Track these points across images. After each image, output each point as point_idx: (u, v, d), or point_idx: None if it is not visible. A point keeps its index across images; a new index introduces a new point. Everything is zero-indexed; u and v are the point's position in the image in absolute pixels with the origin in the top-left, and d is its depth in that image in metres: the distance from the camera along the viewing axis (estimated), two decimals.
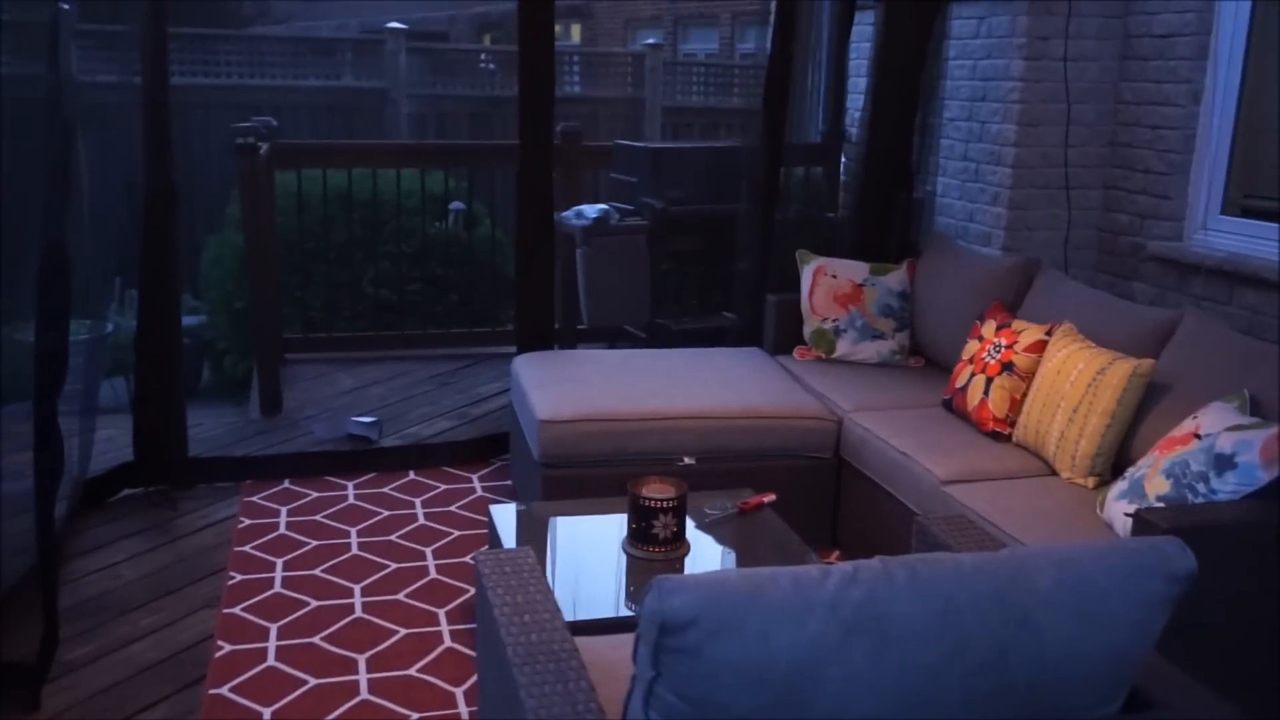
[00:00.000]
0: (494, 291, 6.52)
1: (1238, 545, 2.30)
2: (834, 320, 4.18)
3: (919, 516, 2.41)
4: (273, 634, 3.12)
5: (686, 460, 3.59)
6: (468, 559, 3.61)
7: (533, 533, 3.10)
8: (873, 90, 4.62)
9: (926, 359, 4.21)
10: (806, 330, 4.26)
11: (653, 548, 2.86)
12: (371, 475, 4.29)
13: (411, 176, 6.21)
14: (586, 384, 3.77)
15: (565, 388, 3.72)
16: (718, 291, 5.75)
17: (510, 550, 2.06)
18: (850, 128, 5.25)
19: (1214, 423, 2.59)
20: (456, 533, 3.81)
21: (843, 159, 5.36)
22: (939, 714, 1.45)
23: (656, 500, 2.85)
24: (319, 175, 5.86)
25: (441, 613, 3.27)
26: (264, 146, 4.92)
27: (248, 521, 3.85)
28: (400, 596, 3.36)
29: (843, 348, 4.17)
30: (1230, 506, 2.40)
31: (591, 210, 5.21)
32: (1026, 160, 4.86)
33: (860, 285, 4.21)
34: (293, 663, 2.98)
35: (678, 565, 2.86)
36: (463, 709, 2.79)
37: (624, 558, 2.89)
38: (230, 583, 3.42)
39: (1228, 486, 2.42)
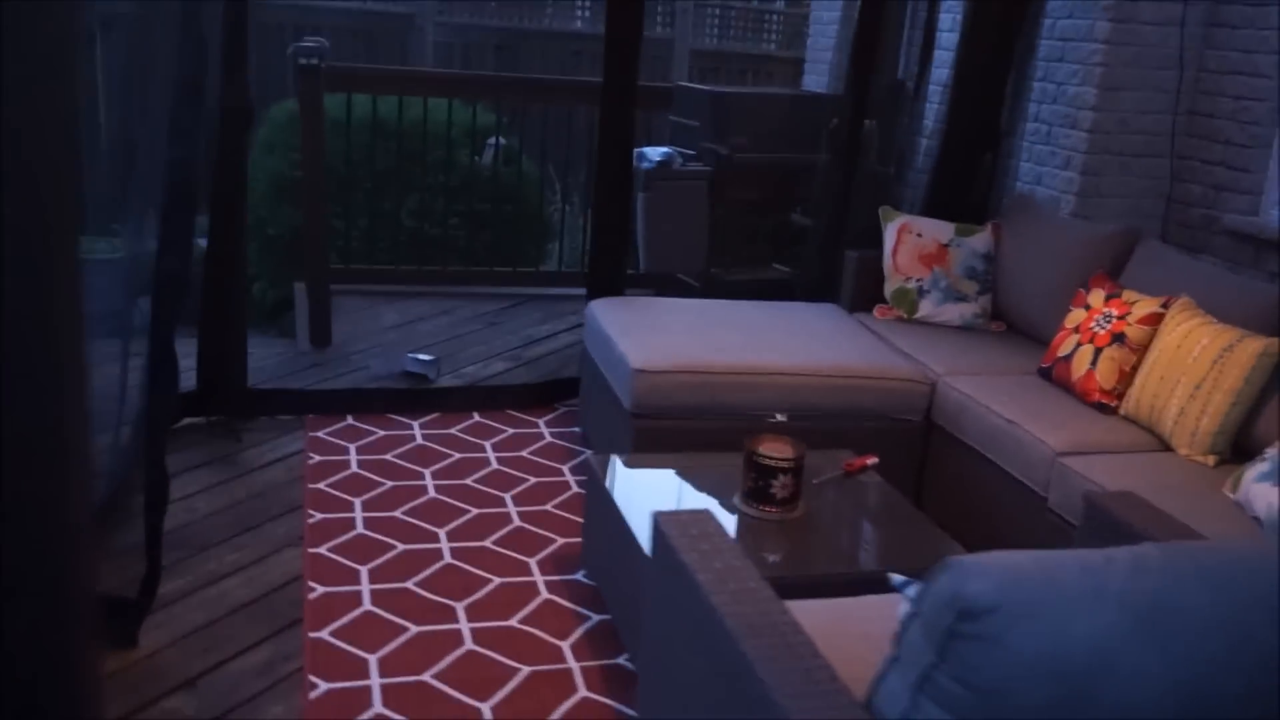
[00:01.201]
0: (533, 232, 6.38)
1: None
2: (918, 280, 4.10)
3: (1090, 490, 2.34)
4: (364, 577, 3.04)
5: (779, 417, 3.52)
6: (549, 507, 3.54)
7: (635, 485, 3.03)
8: (964, 45, 4.49)
9: (1009, 324, 4.14)
10: (888, 289, 4.17)
11: (769, 508, 2.80)
12: (435, 415, 4.19)
13: (458, 109, 6.02)
14: (674, 333, 3.68)
15: (653, 336, 3.62)
16: (769, 243, 5.64)
17: (690, 511, 1.98)
18: (933, 85, 5.11)
19: None
20: (533, 479, 3.73)
21: (917, 115, 5.23)
22: (1220, 710, 1.39)
23: (776, 460, 2.78)
24: (358, 101, 5.65)
25: (533, 562, 3.19)
26: (322, 68, 4.74)
27: (317, 458, 3.75)
28: (488, 544, 3.28)
29: (925, 309, 4.09)
30: None
31: (655, 153, 5.07)
32: (1104, 125, 4.76)
33: (945, 246, 4.12)
34: (390, 608, 2.90)
35: (797, 526, 2.80)
36: (571, 663, 2.73)
37: (737, 516, 2.83)
38: (310, 521, 3.33)
39: None
